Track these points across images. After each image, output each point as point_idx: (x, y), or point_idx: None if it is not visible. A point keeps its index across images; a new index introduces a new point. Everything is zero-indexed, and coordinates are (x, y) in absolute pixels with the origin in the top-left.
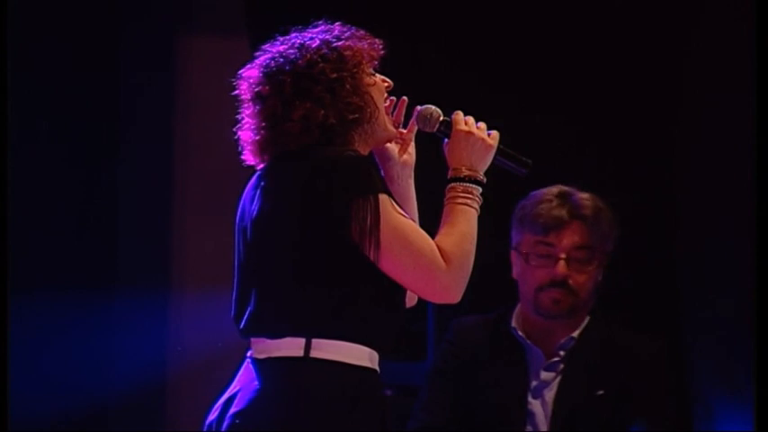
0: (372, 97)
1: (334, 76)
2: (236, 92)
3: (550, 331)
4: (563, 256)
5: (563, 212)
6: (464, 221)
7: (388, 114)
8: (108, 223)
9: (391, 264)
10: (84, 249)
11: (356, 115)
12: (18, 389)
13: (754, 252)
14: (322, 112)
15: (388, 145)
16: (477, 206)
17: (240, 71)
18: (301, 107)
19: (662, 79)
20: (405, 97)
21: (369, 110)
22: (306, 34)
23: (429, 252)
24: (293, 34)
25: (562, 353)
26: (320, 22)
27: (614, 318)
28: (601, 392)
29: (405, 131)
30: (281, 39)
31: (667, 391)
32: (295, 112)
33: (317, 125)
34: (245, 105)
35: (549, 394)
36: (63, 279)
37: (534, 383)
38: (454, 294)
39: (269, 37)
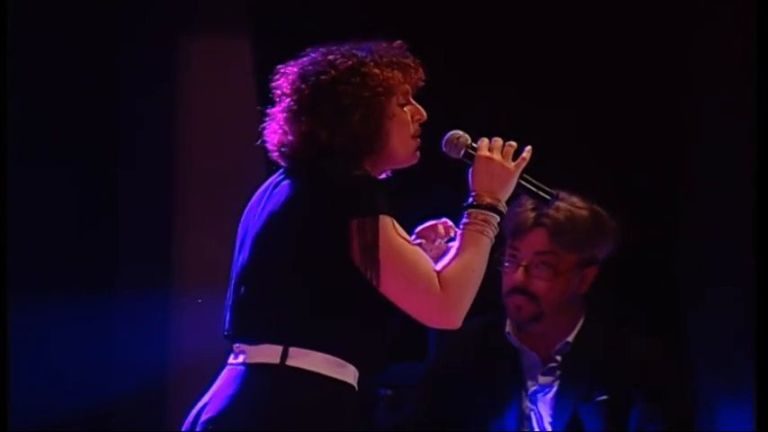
0: (385, 130)
1: (348, 102)
2: (274, 83)
3: (544, 336)
4: (524, 263)
5: (529, 218)
6: (474, 249)
7: (409, 142)
8: (108, 223)
9: (387, 286)
10: (84, 249)
11: (362, 145)
12: (18, 389)
13: (755, 252)
14: (325, 133)
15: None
16: (492, 235)
17: (281, 66)
18: (306, 123)
19: (663, 79)
20: None
21: (378, 143)
22: (345, 49)
23: (425, 276)
24: (338, 46)
25: (559, 358)
26: (379, 40)
27: (609, 319)
28: (604, 398)
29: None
30: (331, 48)
31: (671, 392)
32: (298, 128)
33: (316, 144)
34: (279, 100)
35: (546, 399)
36: (63, 279)
37: (532, 388)
38: (450, 320)
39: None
